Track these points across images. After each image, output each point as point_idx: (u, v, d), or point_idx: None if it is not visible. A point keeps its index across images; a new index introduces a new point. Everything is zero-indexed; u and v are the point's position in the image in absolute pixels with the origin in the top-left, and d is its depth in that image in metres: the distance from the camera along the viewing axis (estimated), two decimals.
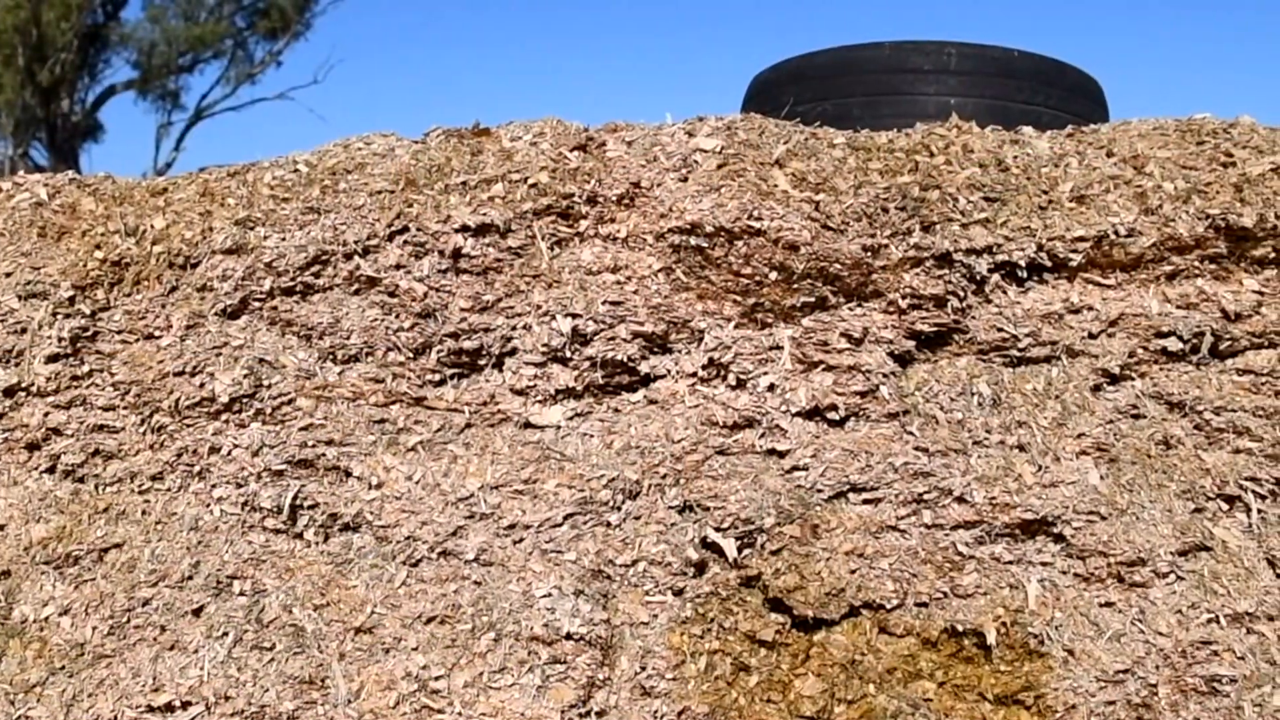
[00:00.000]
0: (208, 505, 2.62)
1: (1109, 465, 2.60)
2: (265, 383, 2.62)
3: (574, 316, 2.61)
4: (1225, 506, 2.60)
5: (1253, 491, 2.59)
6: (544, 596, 2.50)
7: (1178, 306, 2.67)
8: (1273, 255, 2.65)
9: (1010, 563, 2.57)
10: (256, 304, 2.67)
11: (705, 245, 2.57)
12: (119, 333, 2.66)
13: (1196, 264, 2.66)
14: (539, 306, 2.62)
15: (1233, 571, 2.54)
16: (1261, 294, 2.66)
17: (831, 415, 2.61)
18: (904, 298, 2.62)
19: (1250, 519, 2.59)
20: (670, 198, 2.60)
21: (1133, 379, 2.69)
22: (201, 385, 2.61)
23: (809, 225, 2.56)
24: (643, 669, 2.50)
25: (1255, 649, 2.49)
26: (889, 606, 2.56)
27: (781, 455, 2.60)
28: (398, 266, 2.63)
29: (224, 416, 2.62)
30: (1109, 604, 2.54)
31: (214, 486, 2.62)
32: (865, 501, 2.59)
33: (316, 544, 2.60)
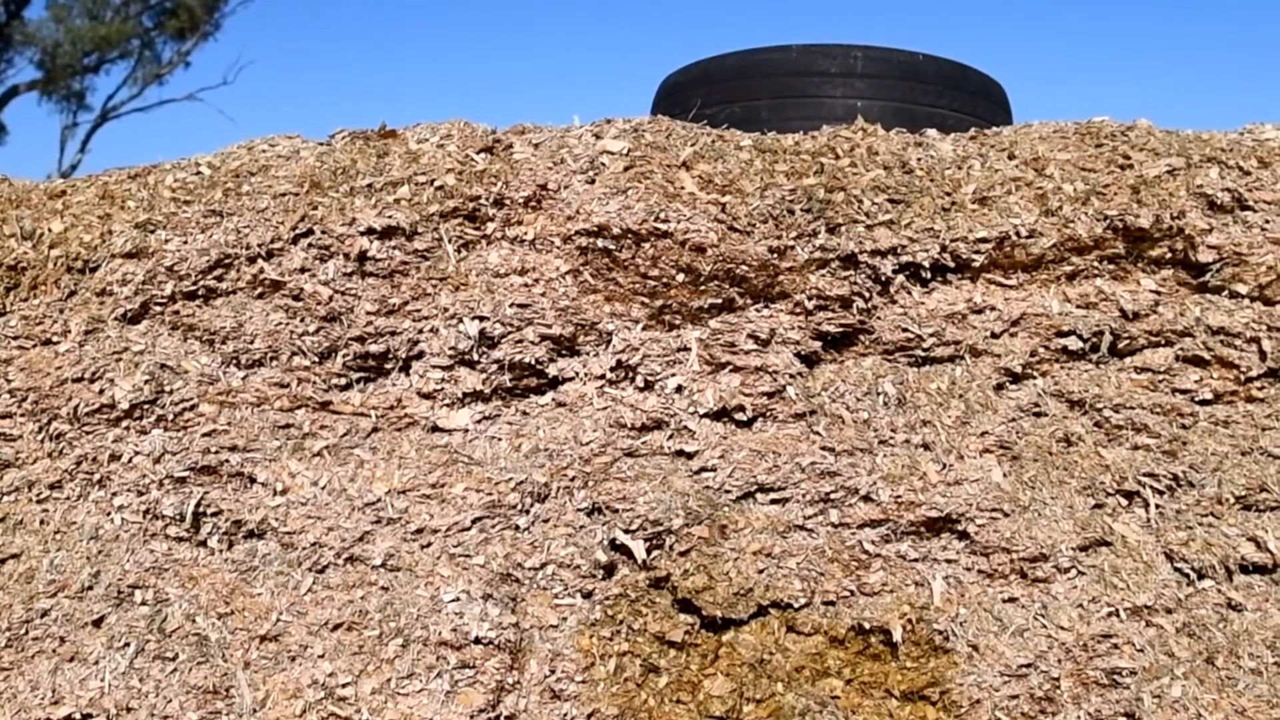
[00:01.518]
0: (108, 514, 2.57)
1: (1011, 463, 2.63)
2: (167, 388, 2.57)
3: (481, 319, 2.59)
4: (1124, 502, 2.65)
5: (1150, 487, 2.64)
6: (452, 601, 2.48)
7: (1078, 306, 2.71)
8: (1169, 255, 2.70)
9: (916, 560, 2.60)
10: (158, 308, 2.62)
11: (612, 247, 2.57)
12: (15, 338, 2.61)
13: (1095, 264, 2.71)
14: (446, 309, 2.60)
15: (1132, 566, 2.58)
16: (1158, 293, 2.71)
17: (739, 416, 2.63)
18: (810, 299, 2.64)
19: (1148, 514, 2.63)
20: (577, 200, 2.59)
21: (1034, 378, 2.73)
22: (101, 391, 2.56)
23: (715, 227, 2.56)
24: (552, 672, 2.49)
25: (1154, 641, 2.54)
26: (797, 605, 2.58)
27: (689, 456, 2.61)
28: (302, 270, 2.60)
29: (124, 423, 2.58)
30: (1012, 599, 2.57)
31: (114, 494, 2.57)
32: (773, 501, 2.61)
33: (220, 551, 2.56)
